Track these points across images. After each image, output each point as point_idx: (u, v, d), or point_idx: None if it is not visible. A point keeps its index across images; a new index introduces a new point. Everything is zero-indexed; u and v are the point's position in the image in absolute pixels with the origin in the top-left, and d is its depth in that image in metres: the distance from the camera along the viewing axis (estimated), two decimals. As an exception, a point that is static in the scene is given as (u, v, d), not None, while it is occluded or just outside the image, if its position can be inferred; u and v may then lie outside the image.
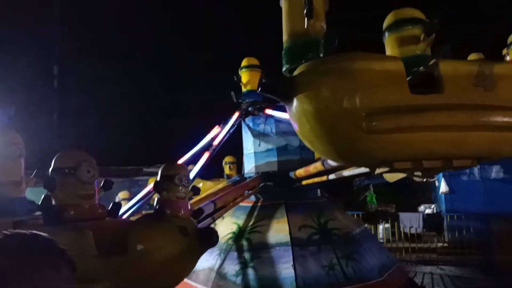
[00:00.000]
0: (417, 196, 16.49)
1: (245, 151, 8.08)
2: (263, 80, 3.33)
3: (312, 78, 3.10)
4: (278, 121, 7.55)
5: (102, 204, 4.05)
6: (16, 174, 4.12)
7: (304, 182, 6.97)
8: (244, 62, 8.34)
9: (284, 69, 3.44)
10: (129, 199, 11.17)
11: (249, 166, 7.87)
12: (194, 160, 8.26)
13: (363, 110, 2.95)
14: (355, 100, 2.97)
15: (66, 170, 3.68)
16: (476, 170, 12.26)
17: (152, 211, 3.62)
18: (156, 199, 3.62)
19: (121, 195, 11.25)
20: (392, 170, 3.43)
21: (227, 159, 12.83)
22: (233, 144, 8.78)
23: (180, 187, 3.49)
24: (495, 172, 11.99)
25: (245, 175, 7.93)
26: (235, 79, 8.14)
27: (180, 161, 8.23)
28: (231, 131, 7.68)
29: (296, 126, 3.48)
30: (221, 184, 12.24)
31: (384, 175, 4.01)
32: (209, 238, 3.33)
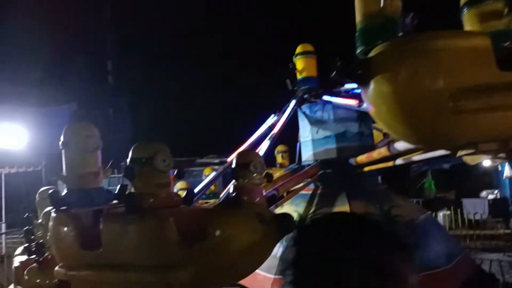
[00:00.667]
0: (477, 182, 15.78)
1: (301, 139, 8.03)
2: (338, 63, 3.27)
3: (391, 59, 3.01)
4: (336, 107, 7.43)
5: (176, 192, 4.16)
6: (94, 165, 4.29)
7: (366, 169, 6.84)
8: (298, 49, 8.25)
9: (358, 51, 3.35)
10: (186, 189, 11.46)
11: (307, 154, 7.81)
12: (252, 149, 8.31)
13: (448, 90, 2.83)
14: (440, 80, 2.85)
15: (144, 160, 3.79)
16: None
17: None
18: (231, 187, 3.66)
19: (179, 185, 11.55)
20: (476, 152, 3.29)
21: (279, 148, 12.82)
22: (285, 133, 8.74)
23: (255, 174, 3.50)
24: None
25: (303, 163, 7.88)
26: (290, 66, 8.07)
27: (237, 152, 8.30)
28: (289, 118, 7.63)
29: (372, 109, 3.39)
30: (277, 173, 12.26)
31: (464, 158, 3.86)
32: (287, 225, 3.32)
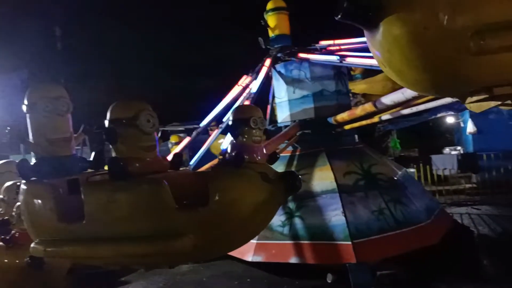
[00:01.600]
0: (439, 139, 16.23)
1: (277, 100, 7.74)
2: (344, 5, 2.96)
3: (406, -4, 2.73)
4: (312, 65, 7.16)
5: (163, 155, 3.80)
6: (65, 130, 3.83)
7: (347, 127, 6.68)
8: (269, 5, 7.82)
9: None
10: (179, 143, 11.01)
11: (283, 115, 7.55)
12: (224, 113, 7.97)
13: (471, 29, 2.59)
14: (461, 17, 2.61)
15: (125, 121, 3.39)
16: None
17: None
18: (229, 145, 3.34)
19: (172, 138, 11.31)
20: (489, 98, 3.12)
21: None
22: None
23: (255, 130, 3.20)
24: (524, 108, 11.62)
25: (279, 125, 7.62)
26: (262, 23, 7.66)
27: (210, 116, 7.95)
28: (265, 77, 7.29)
29: (379, 55, 3.13)
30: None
31: (469, 106, 3.70)
32: (294, 183, 3.07)
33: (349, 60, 6.00)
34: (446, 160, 12.24)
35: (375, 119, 5.93)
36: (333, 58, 6.40)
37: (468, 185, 12.07)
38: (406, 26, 2.81)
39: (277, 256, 6.19)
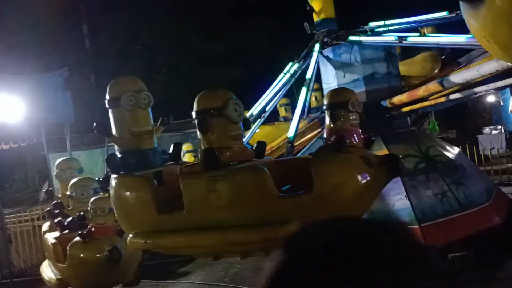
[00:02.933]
0: (476, 119, 15.88)
1: (325, 86, 7.63)
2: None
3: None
4: (363, 48, 7.02)
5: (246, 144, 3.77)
6: (147, 123, 3.83)
7: (406, 109, 6.55)
8: (314, -10, 7.68)
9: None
10: (193, 151, 11.05)
11: (333, 100, 7.43)
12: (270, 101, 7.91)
13: None
14: None
15: (213, 111, 3.37)
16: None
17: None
18: (326, 130, 3.29)
19: (185, 147, 11.12)
20: None
21: (282, 101, 12.38)
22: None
23: (353, 114, 3.13)
24: None
25: (329, 111, 7.51)
26: (308, 8, 7.54)
27: (261, 104, 7.88)
28: (316, 64, 7.18)
29: (483, 30, 3.03)
30: (282, 126, 11.88)
31: None
32: (396, 165, 3.00)
33: (410, 39, 5.85)
34: (494, 139, 11.96)
35: (441, 99, 5.79)
36: (391, 39, 6.25)
37: (510, 165, 11.80)
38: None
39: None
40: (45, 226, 5.92)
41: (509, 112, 12.43)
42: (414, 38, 5.92)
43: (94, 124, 3.75)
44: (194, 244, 3.07)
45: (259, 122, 8.10)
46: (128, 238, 3.34)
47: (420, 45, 6.35)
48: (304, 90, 6.89)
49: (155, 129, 4.02)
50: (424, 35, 7.50)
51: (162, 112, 4.39)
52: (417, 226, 5.60)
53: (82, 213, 4.88)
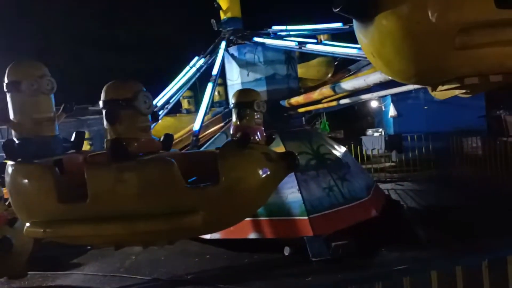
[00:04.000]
0: (362, 122, 17.45)
1: (229, 82, 7.89)
2: (343, -1, 3.23)
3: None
4: (265, 49, 7.40)
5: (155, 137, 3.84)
6: (49, 109, 3.70)
7: (301, 110, 7.05)
8: (222, -13, 7.88)
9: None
10: (89, 139, 10.62)
11: (235, 97, 7.72)
12: (174, 94, 7.95)
13: (458, 26, 3.00)
14: (450, 14, 3.00)
15: (121, 102, 3.40)
16: (421, 93, 13.17)
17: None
18: (233, 127, 3.50)
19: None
20: (458, 87, 3.60)
21: (186, 93, 12.42)
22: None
23: (257, 113, 3.40)
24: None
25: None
26: (215, 5, 7.71)
27: (165, 96, 7.87)
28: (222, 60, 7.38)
29: (370, 46, 3.45)
30: (185, 118, 11.89)
31: (434, 94, 4.20)
32: (293, 162, 3.34)
33: (309, 46, 6.33)
34: (375, 140, 13.28)
35: (333, 103, 6.36)
36: (291, 44, 6.69)
37: (387, 164, 13.25)
38: (400, 21, 3.17)
39: (235, 233, 6.43)
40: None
41: (389, 117, 13.91)
42: (312, 46, 6.43)
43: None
44: (99, 233, 3.10)
45: (162, 113, 8.10)
46: (26, 227, 3.25)
47: (317, 52, 6.89)
48: (210, 85, 7.07)
49: (57, 115, 3.92)
50: (321, 42, 8.14)
51: (57, 97, 4.25)
52: (306, 217, 6.12)
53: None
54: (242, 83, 7.56)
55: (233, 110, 3.49)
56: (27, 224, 3.24)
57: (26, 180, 3.27)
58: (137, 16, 16.84)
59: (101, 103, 3.44)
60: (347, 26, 7.62)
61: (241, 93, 3.56)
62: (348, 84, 5.37)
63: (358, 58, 6.30)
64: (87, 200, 3.12)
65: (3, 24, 15.10)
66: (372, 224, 6.72)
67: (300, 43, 6.53)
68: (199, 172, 3.45)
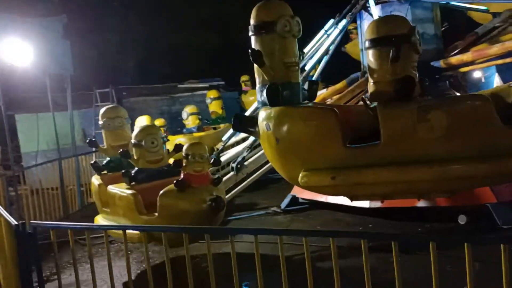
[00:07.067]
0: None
1: (367, 45, 7.46)
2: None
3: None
4: (414, 7, 6.93)
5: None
6: (296, 54, 3.40)
7: (465, 69, 6.59)
8: None
9: None
10: (197, 113, 10.46)
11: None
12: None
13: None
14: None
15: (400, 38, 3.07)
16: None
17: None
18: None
19: (189, 109, 10.47)
20: None
21: (244, 78, 12.00)
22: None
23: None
24: None
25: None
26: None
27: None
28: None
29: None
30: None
31: None
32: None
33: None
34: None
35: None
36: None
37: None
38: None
39: (401, 201, 6.06)
40: (97, 179, 5.29)
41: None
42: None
43: (250, 50, 3.30)
44: (402, 179, 2.80)
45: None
46: (303, 175, 3.00)
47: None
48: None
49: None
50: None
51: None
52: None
53: (175, 160, 4.36)
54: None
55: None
56: (304, 173, 2.99)
57: (307, 125, 3.02)
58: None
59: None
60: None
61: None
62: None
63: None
64: (379, 143, 2.83)
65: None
66: None
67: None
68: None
